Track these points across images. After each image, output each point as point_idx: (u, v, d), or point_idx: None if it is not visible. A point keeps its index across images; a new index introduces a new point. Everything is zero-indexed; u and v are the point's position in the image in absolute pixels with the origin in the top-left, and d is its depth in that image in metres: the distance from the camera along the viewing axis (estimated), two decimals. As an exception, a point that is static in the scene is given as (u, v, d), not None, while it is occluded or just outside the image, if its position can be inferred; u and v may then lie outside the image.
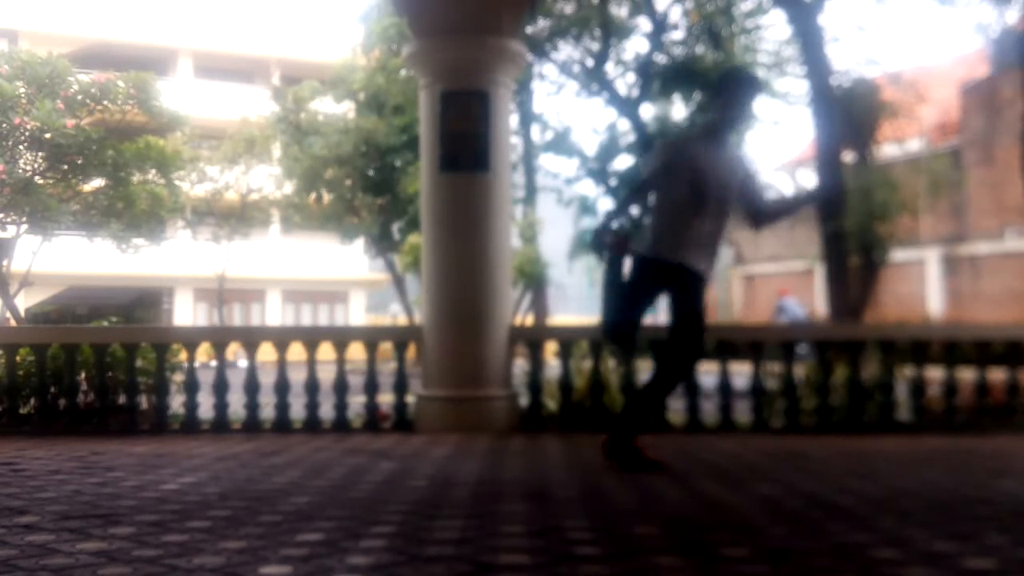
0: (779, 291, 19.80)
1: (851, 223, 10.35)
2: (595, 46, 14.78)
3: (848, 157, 11.22)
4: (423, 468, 4.31)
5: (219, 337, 6.48)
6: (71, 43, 23.51)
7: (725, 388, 6.04)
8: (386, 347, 6.87)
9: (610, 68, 15.26)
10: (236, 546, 2.65)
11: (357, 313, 32.34)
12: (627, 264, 4.46)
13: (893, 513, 3.25)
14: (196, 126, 13.65)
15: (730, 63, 14.16)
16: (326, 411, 6.06)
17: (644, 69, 14.61)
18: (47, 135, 8.03)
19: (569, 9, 14.38)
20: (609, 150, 16.07)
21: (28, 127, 8.04)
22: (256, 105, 19.76)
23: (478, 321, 5.94)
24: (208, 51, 29.76)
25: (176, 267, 26.03)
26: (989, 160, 20.21)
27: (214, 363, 6.14)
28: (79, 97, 8.47)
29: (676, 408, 6.21)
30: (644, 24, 14.92)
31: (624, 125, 15.75)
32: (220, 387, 6.05)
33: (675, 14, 14.73)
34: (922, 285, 22.35)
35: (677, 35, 15.00)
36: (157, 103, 9.14)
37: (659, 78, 14.71)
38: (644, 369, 6.45)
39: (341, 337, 6.23)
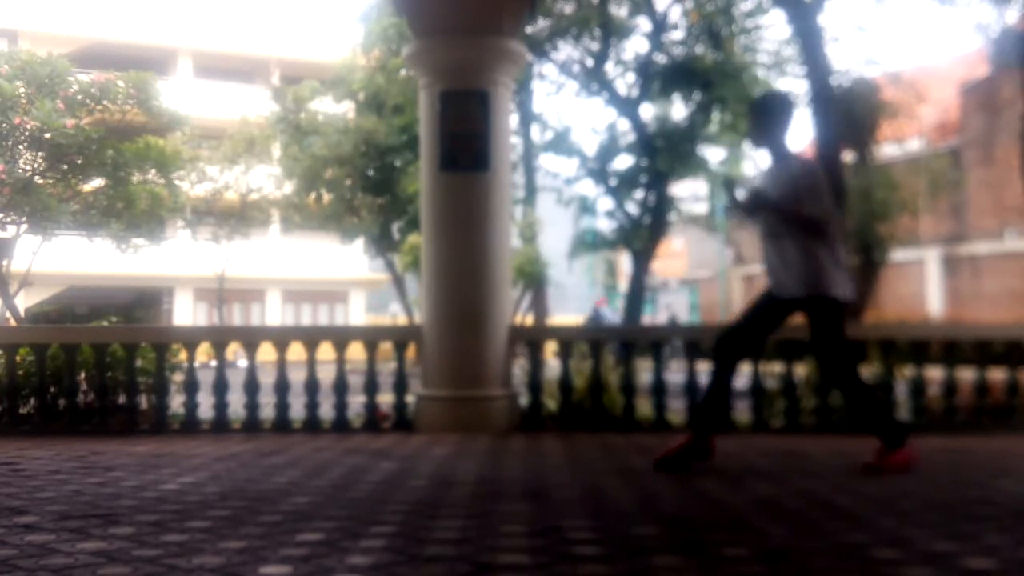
0: (596, 302, 22.56)
1: (851, 223, 10.36)
2: (595, 46, 14.78)
3: (848, 157, 11.22)
4: (423, 468, 4.31)
5: (219, 337, 6.48)
6: (71, 43, 23.50)
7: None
8: (386, 347, 6.87)
9: (610, 68, 15.25)
10: (236, 546, 2.65)
11: (357, 313, 32.35)
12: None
13: (893, 513, 3.25)
14: (196, 126, 13.61)
15: (730, 64, 14.17)
16: (326, 411, 6.06)
17: (644, 69, 14.61)
18: (47, 135, 8.03)
19: (569, 9, 14.37)
20: (609, 150, 16.07)
21: (28, 127, 8.04)
22: (256, 105, 19.75)
23: (478, 321, 5.94)
24: (208, 51, 29.77)
25: (176, 267, 26.04)
26: (989, 160, 20.21)
27: (214, 363, 6.14)
28: (79, 97, 8.47)
29: (676, 408, 6.22)
30: (644, 24, 14.92)
31: (624, 125, 15.75)
32: (220, 387, 6.05)
33: (675, 14, 14.73)
34: (922, 285, 22.36)
35: (677, 35, 15.00)
36: (157, 103, 9.13)
37: (659, 78, 14.71)
38: (644, 369, 6.47)
39: (341, 337, 6.22)
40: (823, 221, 4.22)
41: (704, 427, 4.36)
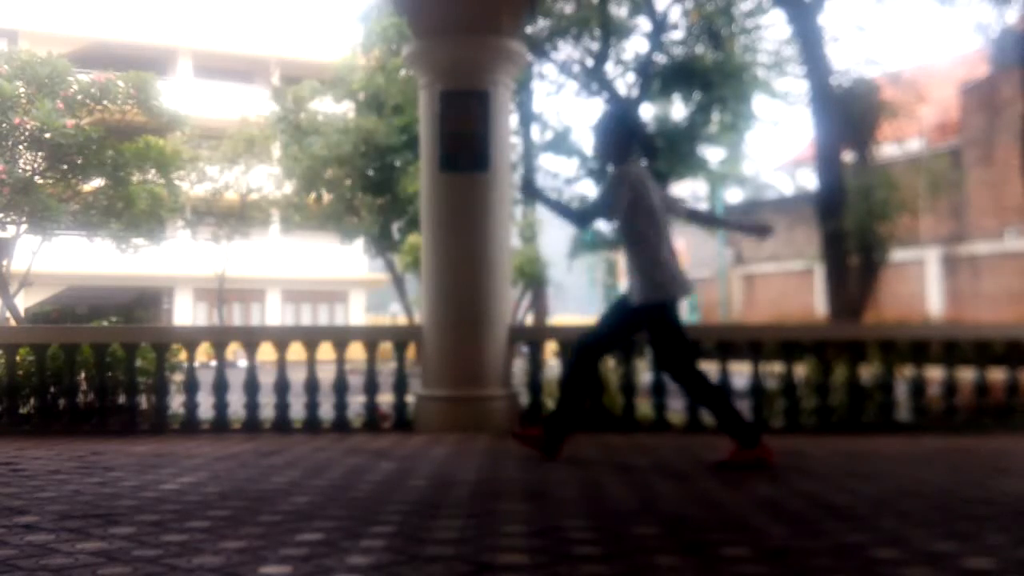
0: None
1: (851, 223, 10.34)
2: (595, 46, 14.76)
3: (848, 157, 11.20)
4: (423, 468, 4.31)
5: (219, 337, 6.48)
6: (71, 43, 23.51)
7: (725, 388, 6.04)
8: (386, 347, 6.87)
9: (610, 68, 15.23)
10: (236, 546, 2.65)
11: (357, 313, 32.37)
12: None
13: (893, 513, 3.25)
14: (196, 126, 13.61)
15: (730, 64, 14.16)
16: (326, 411, 6.06)
17: (644, 69, 14.58)
18: (47, 135, 8.03)
19: (569, 9, 14.36)
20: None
21: (28, 127, 8.04)
22: (256, 105, 19.75)
23: (478, 321, 5.94)
24: (208, 51, 29.78)
25: (176, 267, 26.04)
26: (989, 160, 20.21)
27: (214, 363, 6.14)
28: (79, 97, 8.48)
29: (676, 408, 6.21)
30: (644, 24, 14.90)
31: (624, 125, 15.71)
32: (220, 387, 6.05)
33: (675, 14, 14.70)
34: (922, 285, 22.35)
35: (677, 35, 14.98)
36: (157, 103, 9.14)
37: (659, 78, 14.69)
38: (643, 370, 6.48)
39: (341, 337, 6.22)
40: (642, 231, 4.46)
41: (558, 428, 4.56)
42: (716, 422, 4.63)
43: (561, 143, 16.61)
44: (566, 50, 15.08)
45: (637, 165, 4.69)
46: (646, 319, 4.53)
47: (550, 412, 4.68)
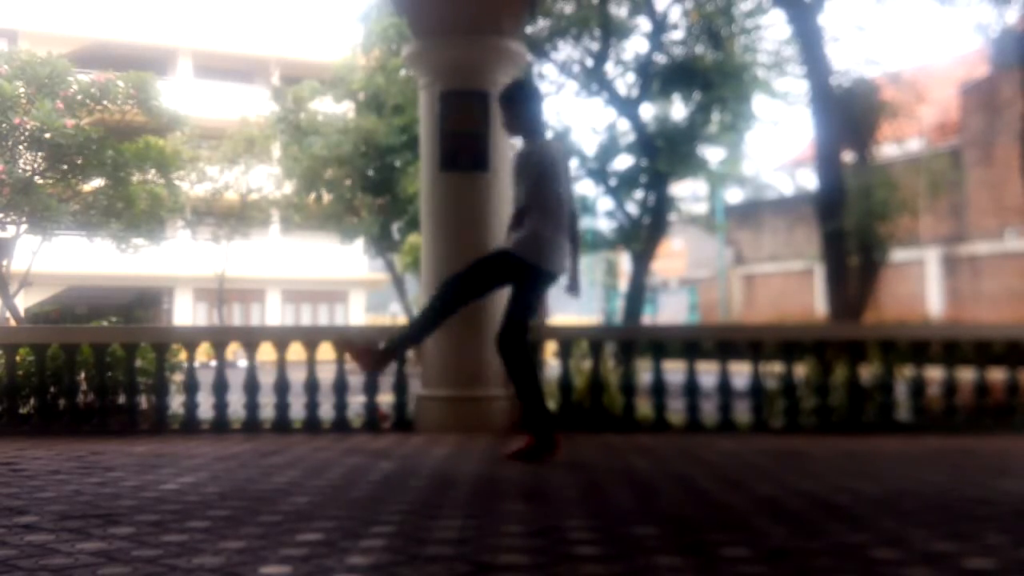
0: None
1: (851, 223, 10.34)
2: (595, 46, 14.75)
3: (848, 157, 11.20)
4: (423, 468, 4.31)
5: (219, 337, 6.48)
6: (71, 43, 23.50)
7: (725, 388, 6.04)
8: (386, 347, 6.86)
9: (610, 68, 15.22)
10: (236, 546, 2.65)
11: (357, 313, 32.39)
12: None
13: (893, 513, 3.25)
14: (196, 126, 13.60)
15: (730, 64, 14.16)
16: (326, 411, 6.06)
17: (644, 69, 14.59)
18: (47, 135, 8.02)
19: (569, 9, 14.35)
20: (609, 150, 16.05)
21: (28, 127, 8.03)
22: (256, 105, 19.76)
23: (478, 321, 5.93)
24: (208, 51, 29.79)
25: (176, 267, 26.06)
26: (989, 160, 20.22)
27: (214, 363, 6.14)
28: (79, 97, 8.47)
29: (676, 408, 6.21)
30: (644, 24, 14.90)
31: (624, 125, 15.73)
32: (220, 387, 6.05)
33: (675, 14, 14.71)
34: (922, 285, 22.36)
35: (677, 35, 14.97)
36: (157, 103, 9.13)
37: (659, 78, 14.69)
38: (644, 369, 6.47)
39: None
40: (544, 204, 4.55)
41: (540, 420, 4.55)
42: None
43: (561, 143, 16.57)
44: (566, 50, 15.07)
45: (551, 141, 4.87)
46: (516, 270, 4.59)
47: (524, 414, 4.68)
